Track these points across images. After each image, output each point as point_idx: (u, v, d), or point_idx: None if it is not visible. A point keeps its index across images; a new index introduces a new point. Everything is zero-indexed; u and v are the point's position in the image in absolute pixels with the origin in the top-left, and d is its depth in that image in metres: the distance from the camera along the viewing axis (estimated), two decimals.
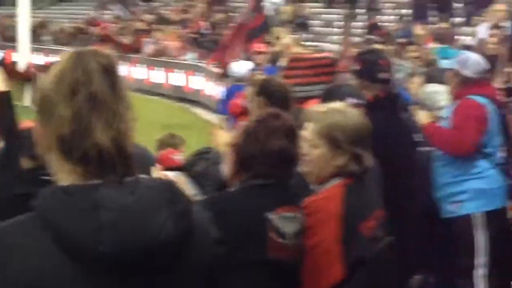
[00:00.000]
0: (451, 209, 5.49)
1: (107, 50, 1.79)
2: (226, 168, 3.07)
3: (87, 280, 1.65)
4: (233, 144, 3.04)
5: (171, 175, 4.53)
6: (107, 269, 1.65)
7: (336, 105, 3.21)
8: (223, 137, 4.02)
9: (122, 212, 1.65)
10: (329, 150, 2.99)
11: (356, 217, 3.01)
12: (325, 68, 5.98)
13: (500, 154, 5.58)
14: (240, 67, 10.76)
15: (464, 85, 5.54)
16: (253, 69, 10.62)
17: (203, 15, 23.66)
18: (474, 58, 5.78)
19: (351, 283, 2.93)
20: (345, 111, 3.13)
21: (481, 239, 5.41)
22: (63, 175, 1.73)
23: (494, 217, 5.46)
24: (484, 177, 5.48)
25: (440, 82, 6.09)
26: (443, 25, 14.46)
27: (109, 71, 1.73)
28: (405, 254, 4.23)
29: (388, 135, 4.10)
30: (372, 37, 15.63)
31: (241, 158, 2.97)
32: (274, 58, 13.23)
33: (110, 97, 1.70)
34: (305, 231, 2.93)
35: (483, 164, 5.51)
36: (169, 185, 1.77)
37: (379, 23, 18.08)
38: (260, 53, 11.69)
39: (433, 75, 6.76)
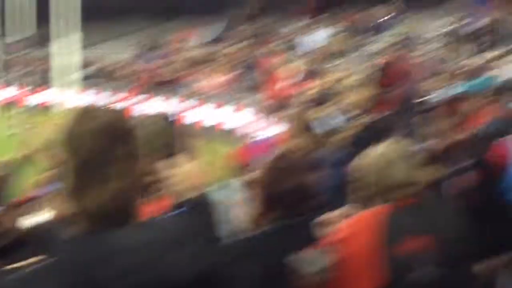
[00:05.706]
0: None
1: (114, 108, 1.87)
2: (243, 210, 2.95)
3: None
4: (258, 181, 2.89)
5: None
6: None
7: None
8: None
9: (135, 255, 1.70)
10: None
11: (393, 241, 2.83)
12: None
13: None
14: None
15: None
16: None
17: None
18: None
19: None
20: None
21: None
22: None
23: None
24: None
25: None
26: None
27: (109, 131, 1.77)
28: None
29: None
30: None
31: (270, 195, 2.84)
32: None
33: (103, 160, 1.74)
34: (333, 266, 2.80)
35: None
36: (186, 222, 1.83)
37: None
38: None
39: None
